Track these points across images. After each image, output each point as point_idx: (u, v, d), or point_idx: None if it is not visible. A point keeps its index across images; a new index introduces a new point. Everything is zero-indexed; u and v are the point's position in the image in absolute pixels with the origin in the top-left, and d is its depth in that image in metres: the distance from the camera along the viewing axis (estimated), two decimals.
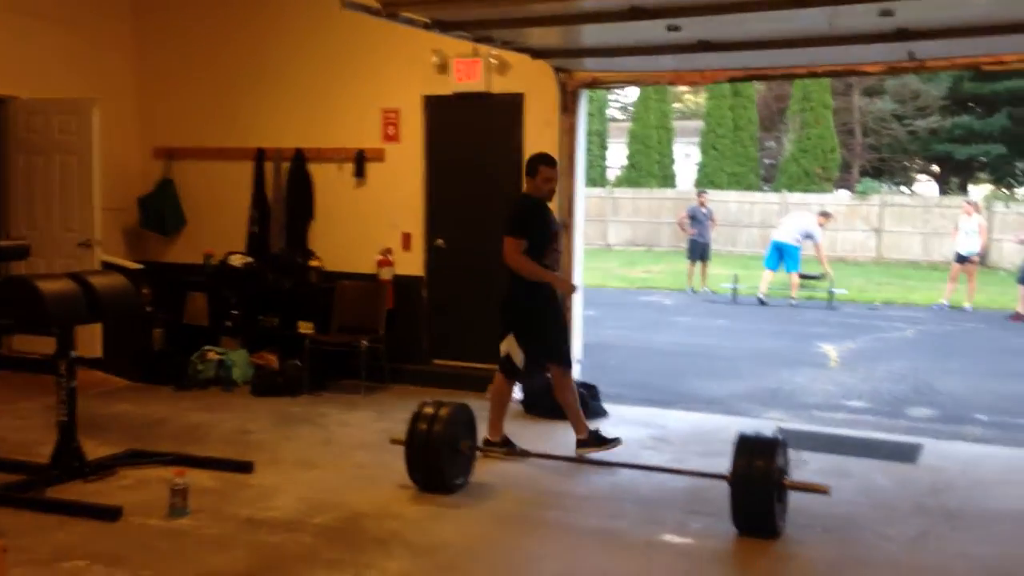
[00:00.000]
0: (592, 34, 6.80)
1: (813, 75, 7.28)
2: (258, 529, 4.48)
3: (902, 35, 6.00)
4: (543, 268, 5.73)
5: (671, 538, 4.54)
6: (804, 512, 4.81)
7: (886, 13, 5.43)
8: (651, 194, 27.15)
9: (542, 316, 5.79)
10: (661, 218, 25.90)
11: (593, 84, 7.75)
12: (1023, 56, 6.53)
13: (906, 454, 6.12)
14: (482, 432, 5.59)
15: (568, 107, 7.63)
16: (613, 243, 26.16)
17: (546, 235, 5.79)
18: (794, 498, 4.78)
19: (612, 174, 31.69)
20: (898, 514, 4.94)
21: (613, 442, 5.87)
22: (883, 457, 6.03)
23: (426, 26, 6.16)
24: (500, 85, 7.68)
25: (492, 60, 7.57)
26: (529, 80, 7.57)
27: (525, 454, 5.70)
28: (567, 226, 7.69)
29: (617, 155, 31.67)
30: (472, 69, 7.69)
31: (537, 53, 7.08)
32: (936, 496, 5.23)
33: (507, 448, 5.77)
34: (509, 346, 5.82)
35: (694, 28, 5.97)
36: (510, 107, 7.69)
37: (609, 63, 7.32)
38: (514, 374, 5.92)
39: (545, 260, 5.77)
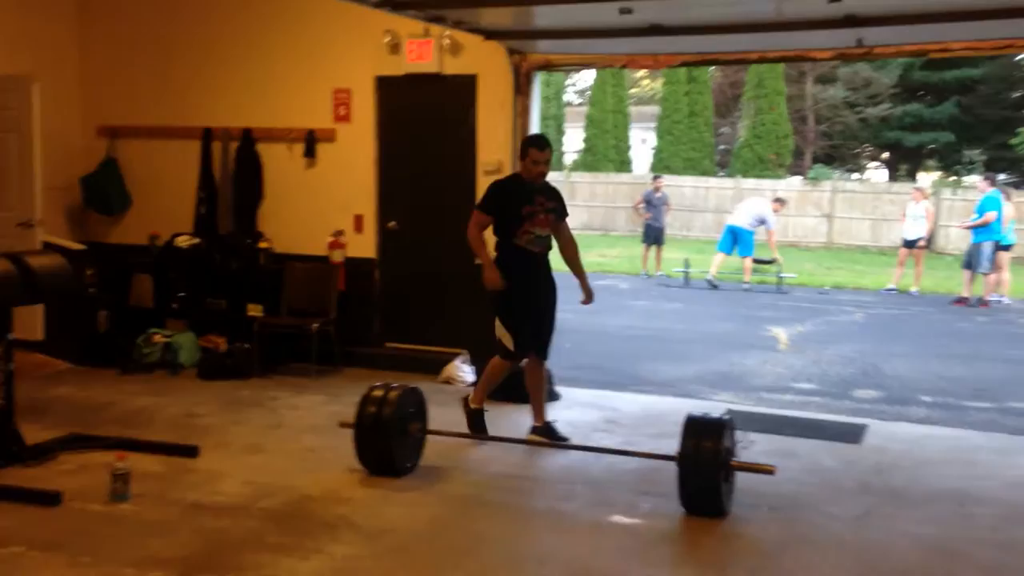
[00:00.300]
0: (545, 15, 6.76)
1: (764, 60, 7.32)
2: (202, 514, 4.40)
3: (851, 21, 6.04)
4: (484, 249, 5.73)
5: (619, 519, 4.56)
6: (751, 492, 4.85)
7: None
8: (608, 179, 27.23)
9: (503, 297, 5.69)
10: (617, 203, 25.98)
11: (547, 66, 7.71)
12: (970, 44, 6.62)
13: (851, 435, 6.21)
14: (433, 414, 5.54)
15: (522, 89, 7.58)
16: (570, 227, 26.11)
17: (516, 216, 5.64)
18: (741, 478, 4.83)
19: (569, 159, 31.72)
20: (843, 493, 5.01)
21: (563, 440, 5.76)
22: (829, 438, 6.11)
23: (376, 4, 6.07)
24: (453, 66, 7.60)
25: (445, 41, 7.49)
26: (482, 62, 7.50)
27: (482, 430, 5.75)
28: None
29: (574, 140, 31.70)
30: (425, 50, 7.60)
31: (490, 34, 7.02)
32: (880, 476, 5.32)
33: (473, 419, 5.80)
34: (498, 329, 5.73)
35: (646, 11, 5.96)
36: (463, 88, 7.62)
37: (562, 45, 7.28)
38: (508, 356, 5.74)
39: (516, 240, 5.66)
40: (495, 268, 5.64)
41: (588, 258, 18.41)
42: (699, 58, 7.36)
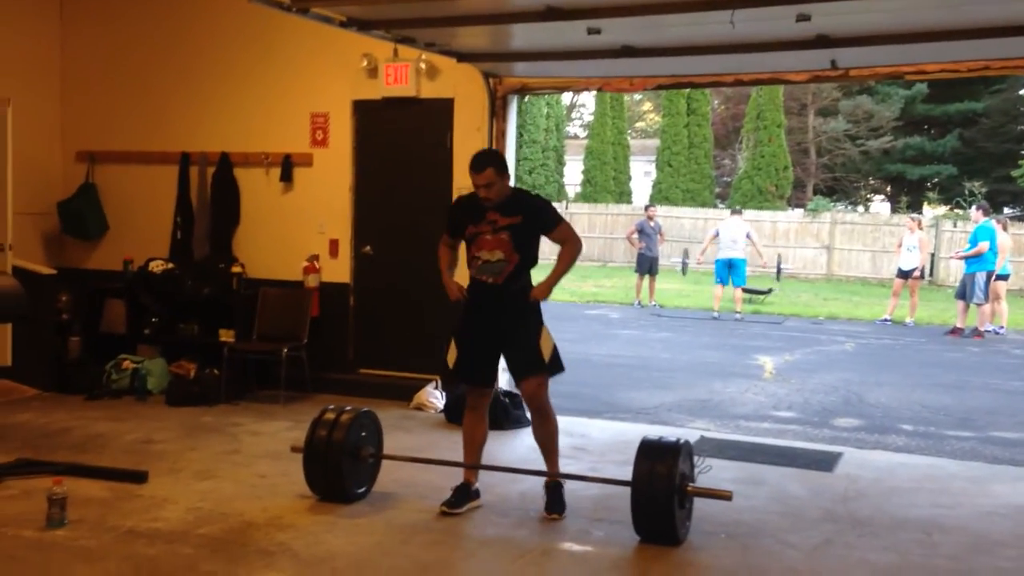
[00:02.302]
0: (515, 36, 6.73)
1: (740, 83, 7.24)
2: (136, 541, 4.27)
3: (823, 42, 5.99)
4: (445, 268, 5.13)
5: (570, 546, 4.41)
6: (710, 520, 4.72)
7: (803, 18, 5.40)
8: (606, 209, 27.20)
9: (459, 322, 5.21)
10: (616, 233, 25.92)
11: (523, 90, 7.68)
12: (946, 66, 6.55)
13: (824, 463, 6.05)
14: (397, 440, 5.34)
15: (498, 113, 7.56)
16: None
17: (464, 237, 5.03)
18: (701, 505, 4.69)
19: (572, 191, 31.72)
20: (805, 522, 4.85)
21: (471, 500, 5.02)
22: (801, 466, 5.96)
23: (343, 24, 6.04)
24: (430, 90, 7.58)
25: (422, 65, 7.47)
26: (459, 85, 7.47)
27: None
28: None
29: (574, 171, 31.74)
30: (402, 73, 7.58)
31: (463, 56, 6.99)
32: (846, 504, 5.15)
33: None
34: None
35: (614, 31, 5.93)
36: (440, 112, 7.59)
37: (537, 68, 7.25)
38: (448, 374, 5.25)
39: (469, 268, 5.01)
40: (448, 279, 5.04)
41: (584, 288, 18.61)
42: (674, 80, 7.30)
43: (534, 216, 4.87)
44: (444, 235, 5.22)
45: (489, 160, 4.83)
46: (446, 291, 5.07)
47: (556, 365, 4.93)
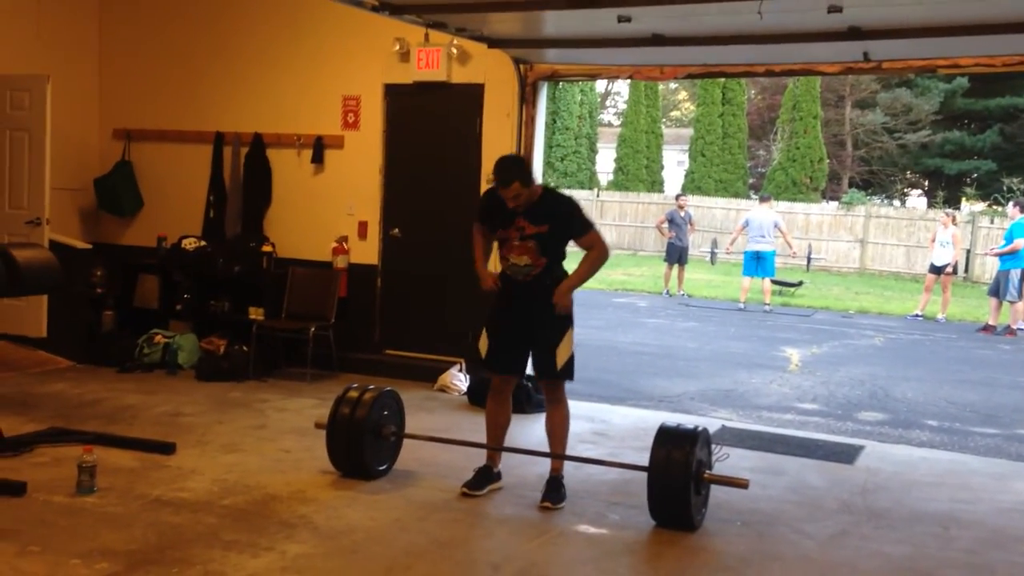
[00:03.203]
0: (546, 23, 6.75)
1: (771, 73, 7.21)
2: (163, 509, 4.38)
3: (855, 34, 5.96)
4: (477, 251, 5.12)
5: (586, 528, 4.47)
6: (727, 507, 4.75)
7: (834, 9, 5.37)
8: (638, 198, 27.11)
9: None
10: (647, 222, 25.82)
11: (553, 76, 7.69)
12: (980, 60, 6.48)
13: (845, 455, 6.04)
14: (419, 420, 5.39)
15: (528, 99, 7.57)
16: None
17: (496, 236, 5.00)
18: (718, 493, 4.72)
19: (604, 179, 31.65)
20: (822, 512, 4.86)
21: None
22: (821, 457, 5.96)
23: (374, 8, 6.09)
24: (461, 75, 7.62)
25: (453, 50, 7.51)
26: (489, 71, 7.50)
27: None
28: None
29: (607, 159, 31.67)
30: (433, 58, 7.62)
31: (494, 42, 7.02)
32: (864, 496, 5.16)
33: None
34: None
35: (645, 20, 5.93)
36: (470, 98, 7.63)
37: (567, 55, 7.26)
38: (479, 364, 5.22)
39: (501, 262, 4.98)
40: (485, 268, 5.08)
41: (613, 276, 18.58)
42: (704, 70, 7.26)
43: (563, 224, 4.83)
44: (476, 222, 5.17)
45: (514, 174, 4.70)
46: (479, 279, 5.07)
47: (566, 373, 4.92)
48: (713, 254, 19.40)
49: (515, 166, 4.81)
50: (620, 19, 5.88)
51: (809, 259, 16.46)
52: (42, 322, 7.68)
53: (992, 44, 6.04)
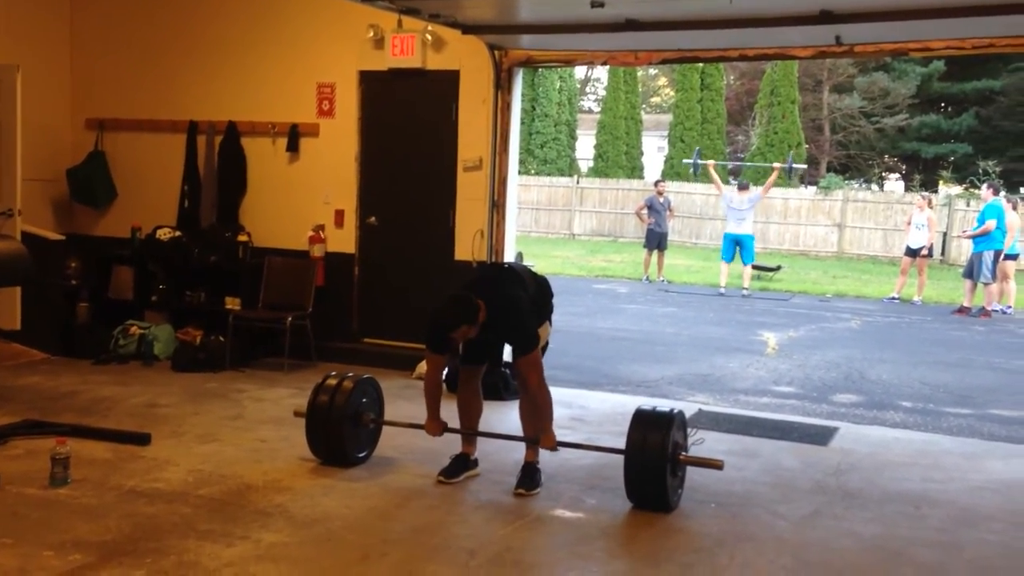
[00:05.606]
0: (519, 8, 6.74)
1: (745, 58, 7.21)
2: (137, 500, 4.37)
3: (827, 17, 5.98)
4: (432, 406, 4.91)
5: (562, 512, 4.49)
6: (703, 489, 4.79)
7: None
8: (618, 184, 27.12)
9: None
10: (627, 209, 25.84)
11: (528, 62, 7.67)
12: (951, 43, 6.52)
13: (819, 437, 6.10)
14: (398, 408, 5.39)
15: (503, 85, 7.56)
16: (578, 232, 26.13)
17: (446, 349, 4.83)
18: (694, 476, 4.76)
19: (584, 165, 31.66)
20: (796, 493, 4.91)
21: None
22: (796, 439, 6.01)
23: None
24: (436, 62, 7.59)
25: (428, 36, 7.48)
26: (465, 58, 7.49)
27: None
28: (498, 207, 7.63)
29: (586, 146, 31.66)
30: (408, 45, 7.58)
31: (468, 28, 6.99)
32: (838, 477, 5.21)
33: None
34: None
35: (618, 5, 5.93)
36: (445, 84, 7.60)
37: (542, 41, 7.25)
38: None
39: None
40: (436, 420, 4.89)
41: (592, 262, 18.61)
42: (679, 55, 7.28)
43: (506, 338, 4.82)
44: (430, 354, 4.86)
45: (460, 319, 4.54)
46: (426, 428, 4.90)
47: (532, 341, 4.71)
48: (696, 166, 19.03)
49: (457, 312, 4.57)
50: (593, 4, 5.87)
51: (790, 169, 16.62)
52: (16, 314, 7.60)
53: (962, 27, 6.07)
